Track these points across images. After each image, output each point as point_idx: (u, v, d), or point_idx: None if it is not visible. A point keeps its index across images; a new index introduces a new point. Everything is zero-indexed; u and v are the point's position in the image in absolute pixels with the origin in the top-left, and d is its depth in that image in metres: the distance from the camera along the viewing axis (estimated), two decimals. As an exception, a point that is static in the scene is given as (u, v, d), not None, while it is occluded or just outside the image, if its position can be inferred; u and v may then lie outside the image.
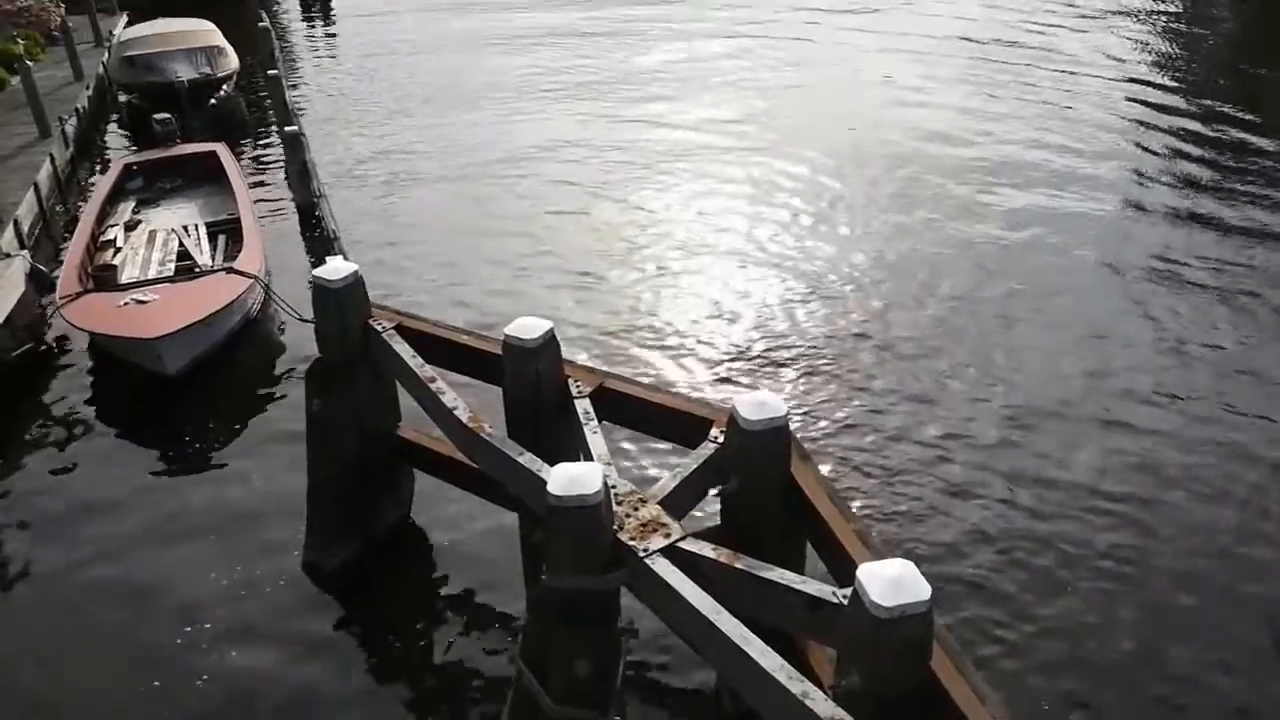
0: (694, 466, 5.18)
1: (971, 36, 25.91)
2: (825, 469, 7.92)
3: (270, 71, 19.49)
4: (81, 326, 10.60)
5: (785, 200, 15.32)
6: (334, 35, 29.27)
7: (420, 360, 6.48)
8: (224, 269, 11.46)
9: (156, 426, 9.78)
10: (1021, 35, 25.87)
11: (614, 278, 12.77)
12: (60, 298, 10.92)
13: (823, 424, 9.44)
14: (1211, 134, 18.23)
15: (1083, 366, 10.36)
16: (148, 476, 9.06)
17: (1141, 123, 18.96)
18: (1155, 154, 17.32)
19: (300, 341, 10.46)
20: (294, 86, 22.25)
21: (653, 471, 8.31)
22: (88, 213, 13.79)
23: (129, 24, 25.96)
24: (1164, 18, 28.63)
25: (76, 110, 19.24)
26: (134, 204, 14.56)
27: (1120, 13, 28.91)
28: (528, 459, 5.32)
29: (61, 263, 12.32)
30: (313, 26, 30.99)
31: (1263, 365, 10.40)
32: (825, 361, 10.58)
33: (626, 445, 8.61)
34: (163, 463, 9.26)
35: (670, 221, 14.68)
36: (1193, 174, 16.28)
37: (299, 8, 33.88)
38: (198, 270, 11.91)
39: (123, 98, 20.78)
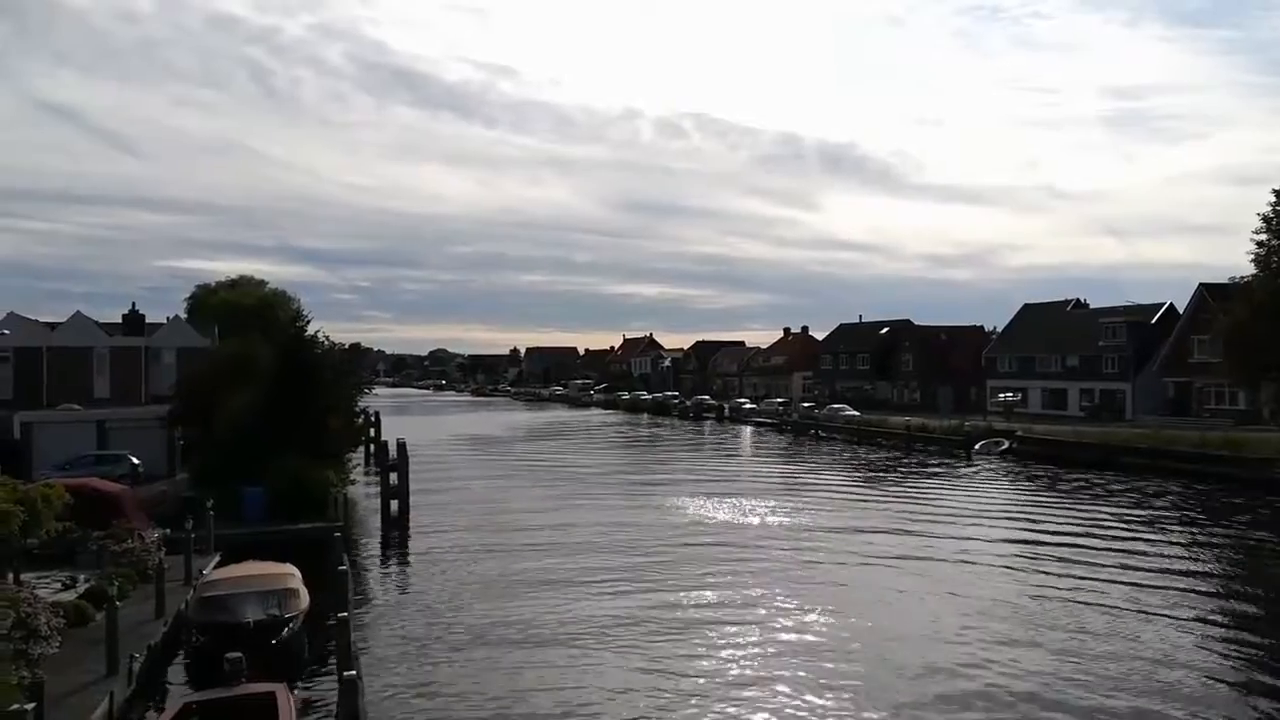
0: None
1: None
2: None
3: (340, 614, 20.07)
4: None
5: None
6: (407, 578, 30.73)
7: None
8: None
9: None
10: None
11: None
12: None
13: None
14: None
15: None
16: None
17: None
18: None
19: None
20: (362, 627, 22.78)
21: None
22: None
23: (219, 564, 27.65)
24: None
25: (148, 647, 19.74)
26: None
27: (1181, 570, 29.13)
28: None
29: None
30: (388, 569, 32.66)
31: None
32: None
33: None
34: None
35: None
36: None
37: (379, 551, 35.99)
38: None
39: (194, 636, 21.33)
